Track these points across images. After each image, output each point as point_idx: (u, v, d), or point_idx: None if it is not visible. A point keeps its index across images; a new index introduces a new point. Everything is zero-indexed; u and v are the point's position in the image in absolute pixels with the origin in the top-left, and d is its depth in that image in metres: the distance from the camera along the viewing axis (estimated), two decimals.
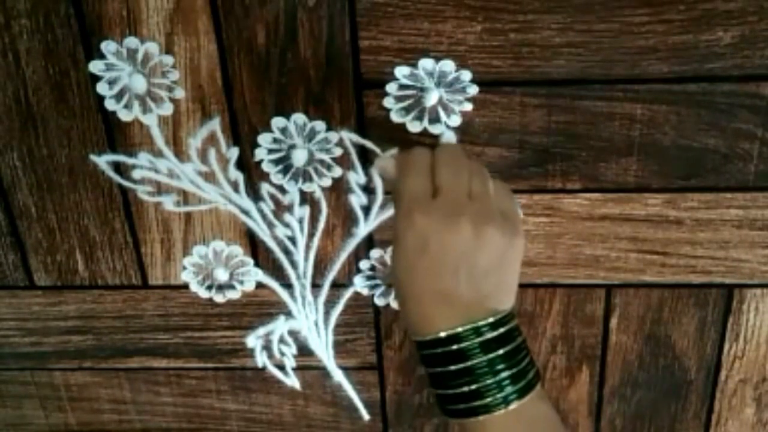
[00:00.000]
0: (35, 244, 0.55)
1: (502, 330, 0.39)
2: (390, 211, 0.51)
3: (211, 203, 0.52)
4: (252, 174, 0.51)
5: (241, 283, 0.55)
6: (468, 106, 0.47)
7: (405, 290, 0.41)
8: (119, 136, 0.50)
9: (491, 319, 0.39)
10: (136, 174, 0.51)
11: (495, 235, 0.39)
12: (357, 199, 0.51)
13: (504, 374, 0.39)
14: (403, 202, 0.40)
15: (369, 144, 0.49)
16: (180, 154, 0.50)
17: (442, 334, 0.39)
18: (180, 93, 0.48)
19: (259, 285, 0.55)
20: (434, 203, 0.40)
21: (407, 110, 0.48)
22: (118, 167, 0.51)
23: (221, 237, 0.53)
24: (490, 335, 0.39)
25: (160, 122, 0.49)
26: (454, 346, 0.39)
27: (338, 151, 0.49)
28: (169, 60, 0.47)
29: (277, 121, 0.49)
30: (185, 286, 0.56)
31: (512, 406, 0.39)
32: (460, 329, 0.39)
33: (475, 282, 0.39)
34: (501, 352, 0.39)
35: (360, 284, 0.55)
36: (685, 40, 0.44)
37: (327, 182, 0.51)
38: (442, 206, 0.39)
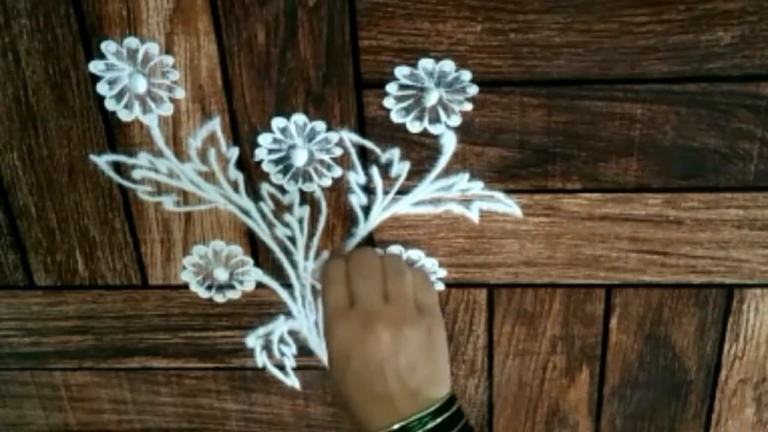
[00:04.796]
0: (35, 244, 0.55)
1: (445, 416, 0.42)
2: (390, 211, 0.51)
3: (211, 203, 0.52)
4: (252, 174, 0.51)
5: (241, 283, 0.55)
6: (468, 106, 0.47)
7: (342, 393, 0.44)
8: (119, 136, 0.50)
9: (432, 408, 0.42)
10: (136, 174, 0.51)
11: (412, 334, 0.42)
12: (357, 199, 0.51)
13: None
14: (326, 313, 0.44)
15: (369, 144, 0.49)
16: (180, 154, 0.50)
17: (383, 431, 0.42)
18: (180, 93, 0.48)
19: (259, 285, 0.55)
20: (351, 313, 0.43)
21: (407, 110, 0.48)
22: (118, 167, 0.51)
23: (221, 237, 0.53)
24: (432, 424, 0.42)
25: (160, 122, 0.49)
26: None
27: (338, 151, 0.49)
28: (169, 60, 0.47)
29: (277, 121, 0.49)
30: (185, 286, 0.56)
31: None
32: (396, 426, 0.41)
33: (402, 380, 0.42)
34: None
35: None
36: (685, 40, 0.44)
37: (327, 182, 0.51)
38: (358, 315, 0.43)
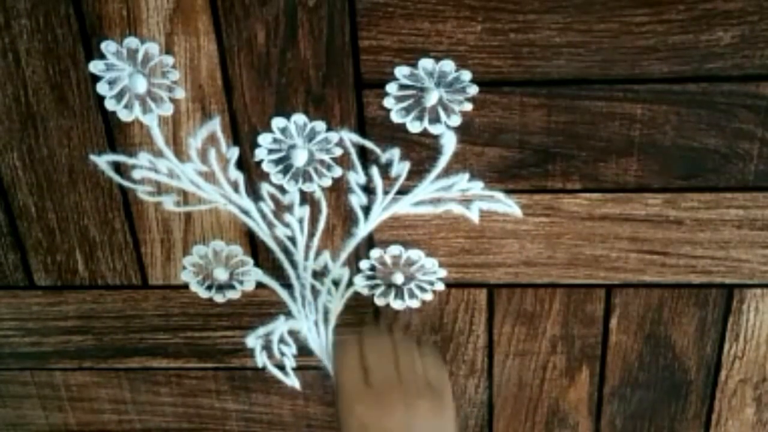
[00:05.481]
0: (35, 244, 0.55)
1: None
2: (390, 211, 0.51)
3: (211, 203, 0.52)
4: (252, 174, 0.51)
5: (241, 283, 0.55)
6: (468, 106, 0.47)
7: None
8: (119, 136, 0.50)
9: None
10: (136, 174, 0.51)
11: (424, 408, 0.45)
12: (357, 199, 0.51)
13: None
14: (342, 395, 0.46)
15: (369, 144, 0.49)
16: (180, 154, 0.50)
17: None
18: (180, 93, 0.48)
19: (259, 285, 0.55)
20: (367, 392, 0.46)
21: (407, 110, 0.48)
22: (118, 167, 0.51)
23: (221, 237, 0.53)
24: None
25: (160, 122, 0.49)
26: None
27: (338, 151, 0.49)
28: (169, 60, 0.47)
29: (277, 121, 0.49)
30: (185, 286, 0.56)
31: None
32: None
33: None
34: None
35: (360, 284, 0.55)
36: (685, 40, 0.44)
37: (327, 182, 0.51)
38: (373, 394, 0.45)
